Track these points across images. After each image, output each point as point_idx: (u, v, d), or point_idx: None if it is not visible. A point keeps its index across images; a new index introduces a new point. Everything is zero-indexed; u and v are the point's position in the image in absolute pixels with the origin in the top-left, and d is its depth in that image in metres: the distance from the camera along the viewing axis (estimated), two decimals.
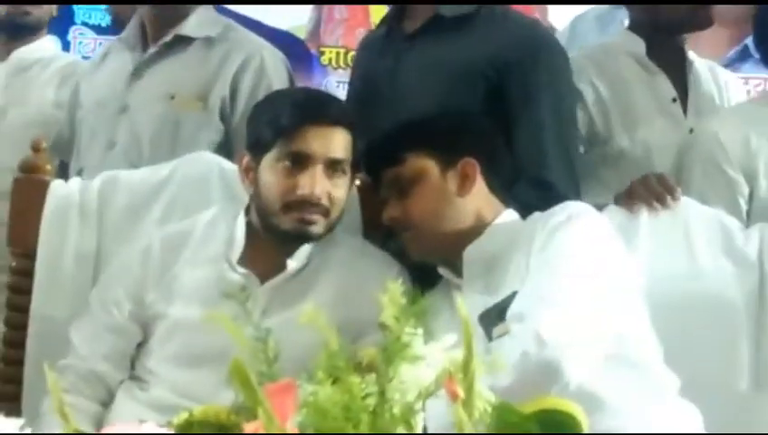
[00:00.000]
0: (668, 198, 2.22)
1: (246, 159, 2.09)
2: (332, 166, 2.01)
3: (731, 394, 2.11)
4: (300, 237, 2.04)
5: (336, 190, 2.02)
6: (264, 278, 2.04)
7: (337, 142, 2.02)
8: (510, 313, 1.81)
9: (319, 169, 1.99)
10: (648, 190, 2.23)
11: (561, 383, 1.68)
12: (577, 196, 2.22)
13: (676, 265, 2.19)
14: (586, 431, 1.14)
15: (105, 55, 2.73)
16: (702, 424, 1.89)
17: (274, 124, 2.02)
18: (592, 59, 2.65)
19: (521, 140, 2.25)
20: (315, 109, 2.04)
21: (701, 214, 2.24)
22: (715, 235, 2.21)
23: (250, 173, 2.07)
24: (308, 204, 1.99)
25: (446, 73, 2.30)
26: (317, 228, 2.02)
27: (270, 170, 2.02)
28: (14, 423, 1.07)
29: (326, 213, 2.02)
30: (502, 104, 2.27)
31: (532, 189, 2.19)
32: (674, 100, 2.59)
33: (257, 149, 2.06)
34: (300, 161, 2.00)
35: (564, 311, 1.75)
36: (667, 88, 2.60)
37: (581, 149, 2.52)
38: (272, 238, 2.06)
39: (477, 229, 2.01)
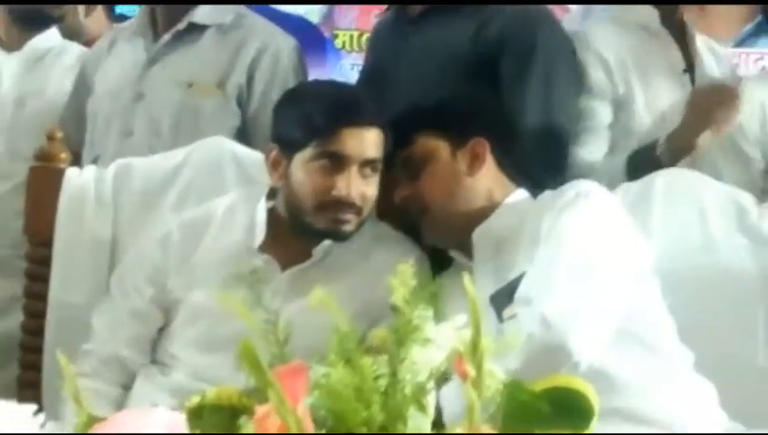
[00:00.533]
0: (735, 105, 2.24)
1: (274, 152, 2.07)
2: (366, 165, 2.01)
3: (747, 369, 2.10)
4: (332, 236, 2.04)
5: (369, 189, 2.02)
6: (285, 265, 2.05)
7: (371, 142, 2.01)
8: (517, 295, 1.81)
9: (354, 170, 1.99)
10: (711, 109, 2.25)
11: (569, 364, 1.69)
12: (553, 175, 2.22)
13: (690, 239, 2.18)
14: (597, 409, 1.14)
15: (112, 44, 2.72)
16: (717, 400, 1.89)
17: (308, 124, 2.01)
18: (609, 29, 2.62)
19: None
20: (350, 110, 2.02)
21: (715, 189, 2.22)
22: (728, 210, 2.19)
23: (279, 167, 2.06)
24: (344, 204, 1.99)
25: (448, 54, 2.30)
26: (350, 227, 2.02)
27: (303, 169, 2.01)
28: (27, 409, 1.08)
29: (359, 212, 2.02)
30: (495, 83, 2.28)
31: None
32: (684, 71, 2.57)
33: (288, 145, 2.04)
34: (335, 162, 1.99)
35: (571, 292, 1.75)
36: (677, 58, 2.57)
37: (609, 117, 2.51)
38: (300, 233, 2.06)
39: (488, 210, 2.01)
